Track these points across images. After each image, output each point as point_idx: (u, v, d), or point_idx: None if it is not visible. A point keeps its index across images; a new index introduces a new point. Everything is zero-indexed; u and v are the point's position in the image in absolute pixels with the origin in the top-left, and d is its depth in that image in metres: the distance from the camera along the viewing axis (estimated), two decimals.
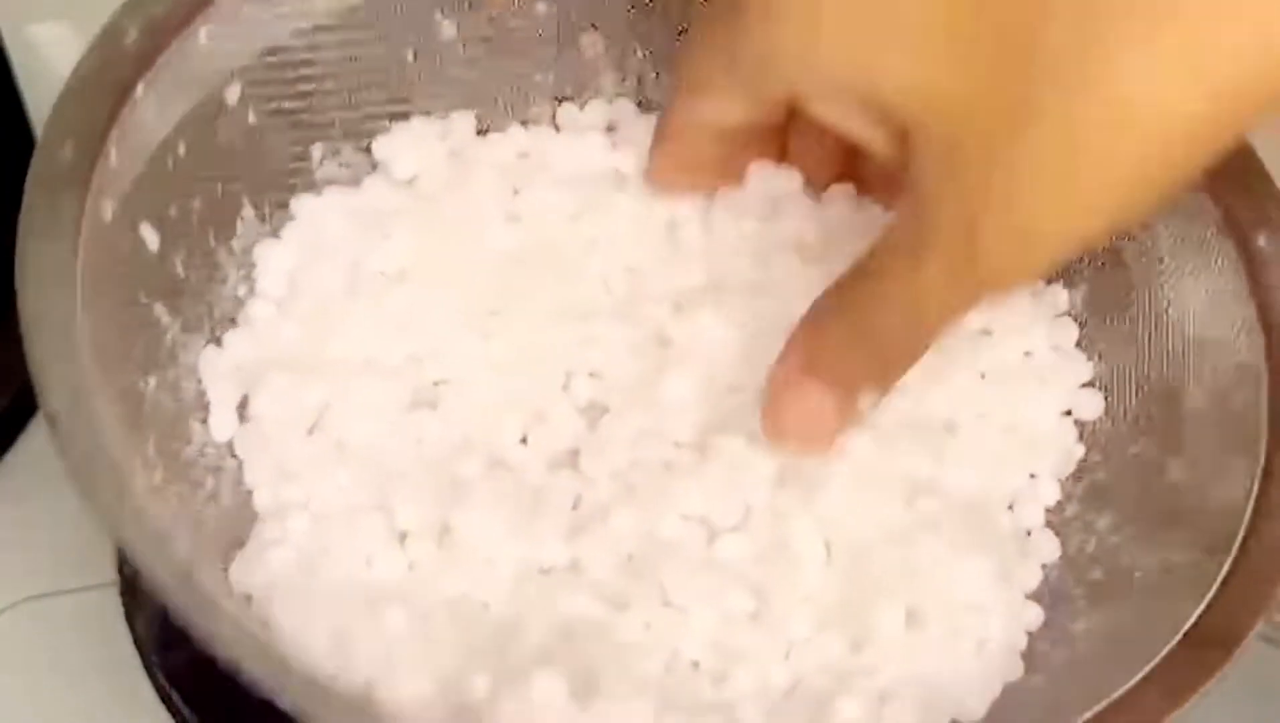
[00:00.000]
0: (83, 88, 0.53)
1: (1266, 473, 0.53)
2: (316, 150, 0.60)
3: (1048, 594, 0.55)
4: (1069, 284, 0.60)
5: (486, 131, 0.62)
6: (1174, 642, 0.50)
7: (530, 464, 0.56)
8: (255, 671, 0.44)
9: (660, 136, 0.57)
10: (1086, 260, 0.59)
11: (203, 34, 0.56)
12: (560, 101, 0.64)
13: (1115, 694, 0.49)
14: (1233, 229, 0.56)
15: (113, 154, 0.53)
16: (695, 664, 0.52)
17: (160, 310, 0.55)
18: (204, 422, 0.55)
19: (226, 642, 0.44)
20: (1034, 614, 0.54)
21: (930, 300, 0.47)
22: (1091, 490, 0.58)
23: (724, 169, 0.57)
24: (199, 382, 0.56)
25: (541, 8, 0.62)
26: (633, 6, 0.63)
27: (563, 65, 0.63)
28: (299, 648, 0.51)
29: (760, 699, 0.51)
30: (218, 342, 0.57)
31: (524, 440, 0.57)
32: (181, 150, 0.56)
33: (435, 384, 0.58)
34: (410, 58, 0.61)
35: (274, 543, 0.53)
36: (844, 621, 0.52)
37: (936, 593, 0.52)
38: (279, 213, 0.59)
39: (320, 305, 0.57)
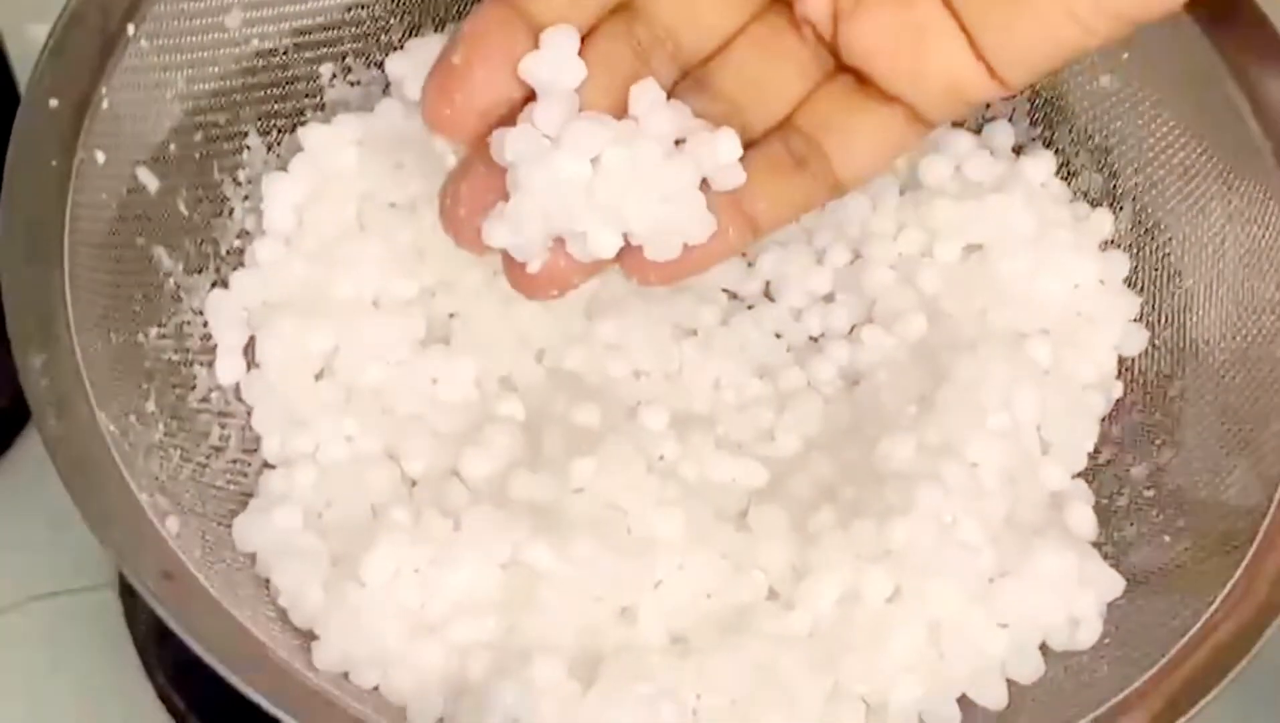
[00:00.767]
0: (68, 35, 0.51)
1: None
2: (326, 70, 0.58)
3: None
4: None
5: None
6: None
7: (545, 400, 0.54)
8: (241, 679, 0.43)
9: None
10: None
11: None
12: None
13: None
14: None
15: (104, 99, 0.51)
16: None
17: (160, 254, 0.53)
18: (209, 366, 0.54)
19: (210, 645, 0.43)
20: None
21: None
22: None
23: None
24: (204, 326, 0.54)
25: None
26: None
27: None
28: (297, 612, 0.50)
29: None
30: (223, 283, 0.55)
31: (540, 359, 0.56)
32: (180, 84, 0.54)
33: (450, 316, 0.56)
34: None
35: (280, 500, 0.52)
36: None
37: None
38: (288, 140, 0.57)
39: (329, 242, 0.55)
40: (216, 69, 0.55)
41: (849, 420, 0.55)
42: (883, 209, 0.58)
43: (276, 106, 0.57)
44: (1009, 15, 0.42)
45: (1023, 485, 0.52)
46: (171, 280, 0.53)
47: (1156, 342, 0.56)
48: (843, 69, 0.46)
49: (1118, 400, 0.56)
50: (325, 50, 0.58)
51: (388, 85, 0.59)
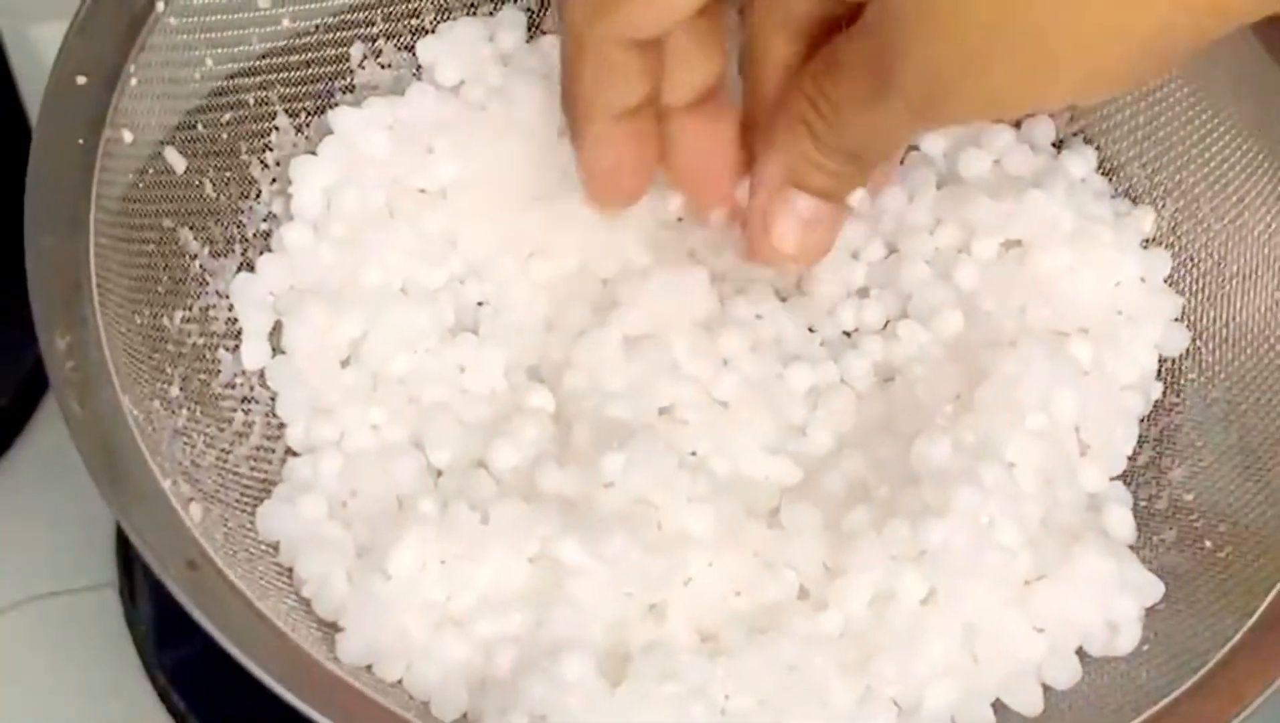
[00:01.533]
0: (96, 12, 0.50)
1: None
2: (356, 51, 0.57)
3: None
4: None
5: (538, 31, 0.59)
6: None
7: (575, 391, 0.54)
8: (264, 671, 0.42)
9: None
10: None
11: None
12: None
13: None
14: None
15: (132, 78, 0.50)
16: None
17: (187, 236, 0.52)
18: (234, 351, 0.53)
19: (234, 637, 0.42)
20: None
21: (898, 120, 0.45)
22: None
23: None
24: (229, 310, 0.53)
25: None
26: None
27: None
28: (321, 603, 0.49)
29: None
30: (250, 267, 0.54)
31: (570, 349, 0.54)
32: (209, 63, 0.53)
33: (479, 305, 0.55)
34: None
35: (304, 489, 0.51)
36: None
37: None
38: (317, 122, 0.56)
39: (358, 227, 0.54)
40: (246, 48, 0.54)
41: (883, 417, 0.54)
42: (920, 203, 0.57)
43: (306, 88, 0.56)
44: None
45: (1060, 487, 0.51)
46: (197, 263, 0.53)
47: (1198, 342, 0.55)
48: None
49: (1157, 401, 0.55)
50: (356, 32, 0.57)
51: (419, 69, 0.58)
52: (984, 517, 0.49)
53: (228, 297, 0.53)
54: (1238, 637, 0.47)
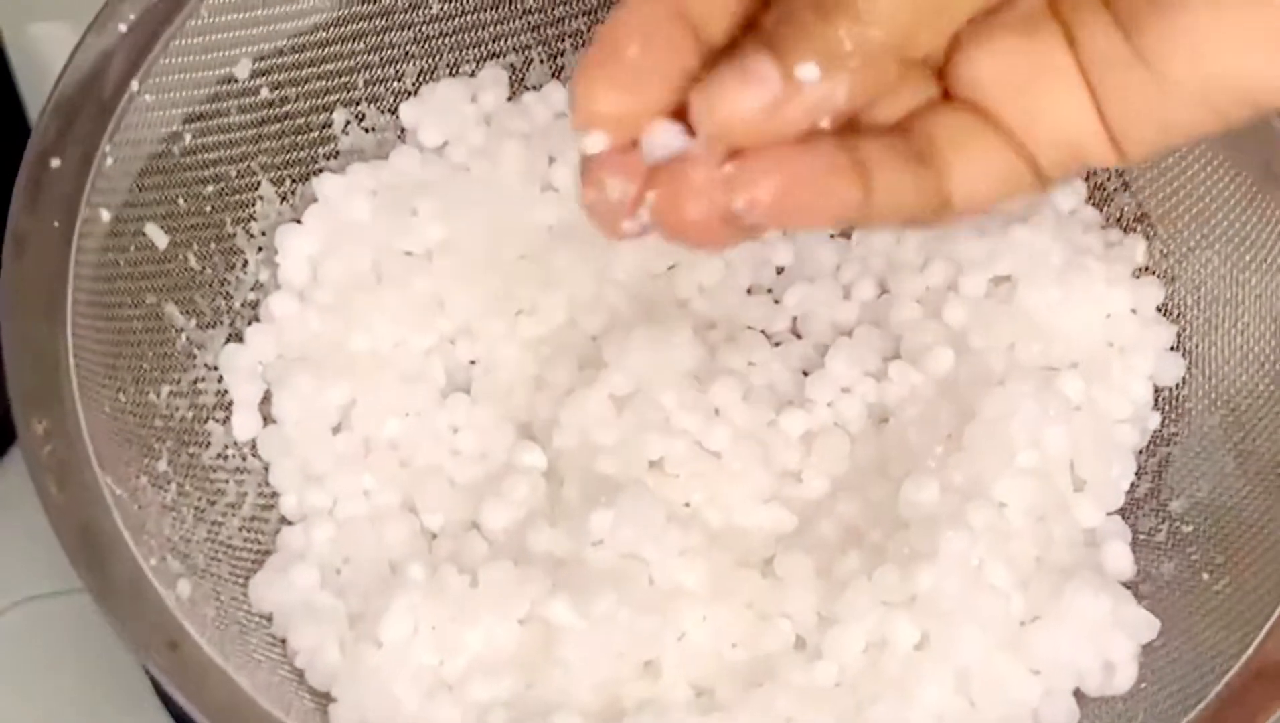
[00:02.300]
0: (69, 93, 0.50)
1: None
2: (339, 117, 0.57)
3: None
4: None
5: (520, 89, 0.59)
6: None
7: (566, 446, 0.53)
8: None
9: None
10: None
11: (204, 10, 0.53)
12: None
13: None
14: None
15: (108, 157, 0.50)
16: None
17: (172, 310, 0.53)
18: (224, 423, 0.53)
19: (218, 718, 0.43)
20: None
21: None
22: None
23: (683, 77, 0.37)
24: (219, 381, 0.53)
25: None
26: None
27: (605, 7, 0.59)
28: (315, 673, 0.49)
29: None
30: (238, 337, 0.54)
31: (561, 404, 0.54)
32: (188, 139, 0.53)
33: (470, 363, 0.55)
34: (436, 7, 0.58)
35: (297, 558, 0.51)
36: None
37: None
38: (301, 189, 0.56)
39: (345, 293, 0.55)
40: (225, 120, 0.54)
41: (876, 459, 0.54)
42: (908, 241, 0.56)
43: (289, 156, 0.56)
44: (1137, 83, 0.37)
45: (1054, 525, 0.51)
46: (184, 336, 0.53)
47: (1194, 370, 0.54)
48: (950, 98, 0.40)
49: (1154, 431, 0.54)
50: (338, 97, 0.57)
51: (402, 131, 0.58)
52: (973, 559, 0.48)
53: (216, 368, 0.54)
54: (1234, 672, 0.46)
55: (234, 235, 0.55)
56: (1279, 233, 0.52)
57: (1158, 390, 0.54)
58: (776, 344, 0.57)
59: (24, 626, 0.59)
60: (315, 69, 0.56)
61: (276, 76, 0.55)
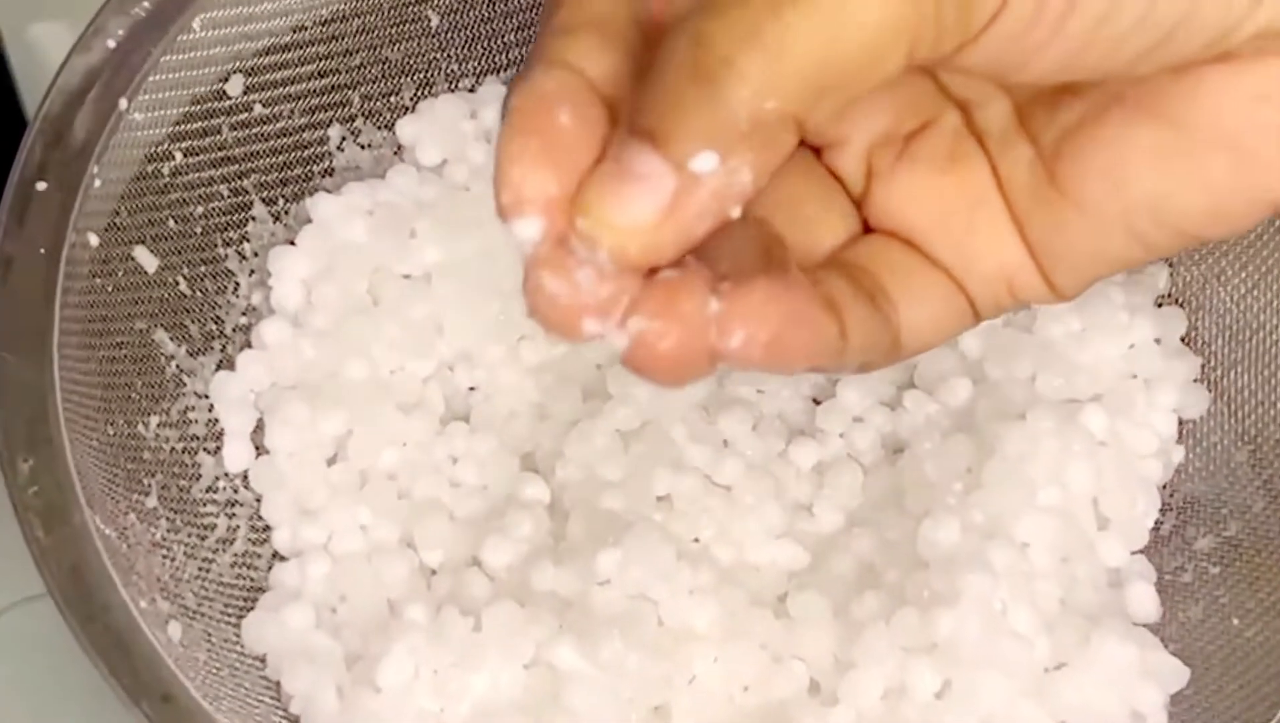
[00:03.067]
0: (56, 114, 0.48)
1: None
2: (334, 133, 0.55)
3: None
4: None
5: None
6: None
7: (570, 479, 0.52)
8: None
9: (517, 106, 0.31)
10: None
11: (196, 24, 0.51)
12: None
13: None
14: None
15: (96, 179, 0.48)
16: None
17: (162, 337, 0.50)
18: (215, 454, 0.51)
19: None
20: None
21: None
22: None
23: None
24: (210, 410, 0.51)
25: None
26: None
27: None
28: (311, 720, 0.47)
29: None
30: (230, 364, 0.52)
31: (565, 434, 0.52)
32: (179, 158, 0.51)
33: (470, 390, 0.54)
34: (434, 20, 0.55)
35: (291, 597, 0.49)
36: None
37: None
38: (295, 209, 0.54)
39: (340, 318, 0.53)
40: (217, 139, 0.52)
41: (891, 493, 0.52)
42: None
43: (282, 175, 0.54)
44: (1060, 214, 0.35)
45: (1078, 565, 0.49)
46: (174, 364, 0.51)
47: (1220, 402, 0.52)
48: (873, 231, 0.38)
49: (1179, 465, 0.52)
50: (333, 113, 0.55)
51: (399, 148, 0.56)
52: (996, 603, 0.47)
53: (207, 397, 0.52)
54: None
55: (225, 258, 0.53)
56: None
57: (1183, 423, 0.53)
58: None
59: (24, 626, 0.57)
60: (310, 84, 0.54)
61: (270, 92, 0.53)
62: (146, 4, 0.50)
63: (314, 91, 0.54)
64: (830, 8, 0.29)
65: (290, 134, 0.54)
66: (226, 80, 0.52)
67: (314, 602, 0.49)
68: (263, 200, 0.54)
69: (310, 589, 0.50)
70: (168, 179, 0.51)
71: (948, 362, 0.53)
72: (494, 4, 0.56)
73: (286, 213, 0.54)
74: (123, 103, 0.49)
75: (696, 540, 0.51)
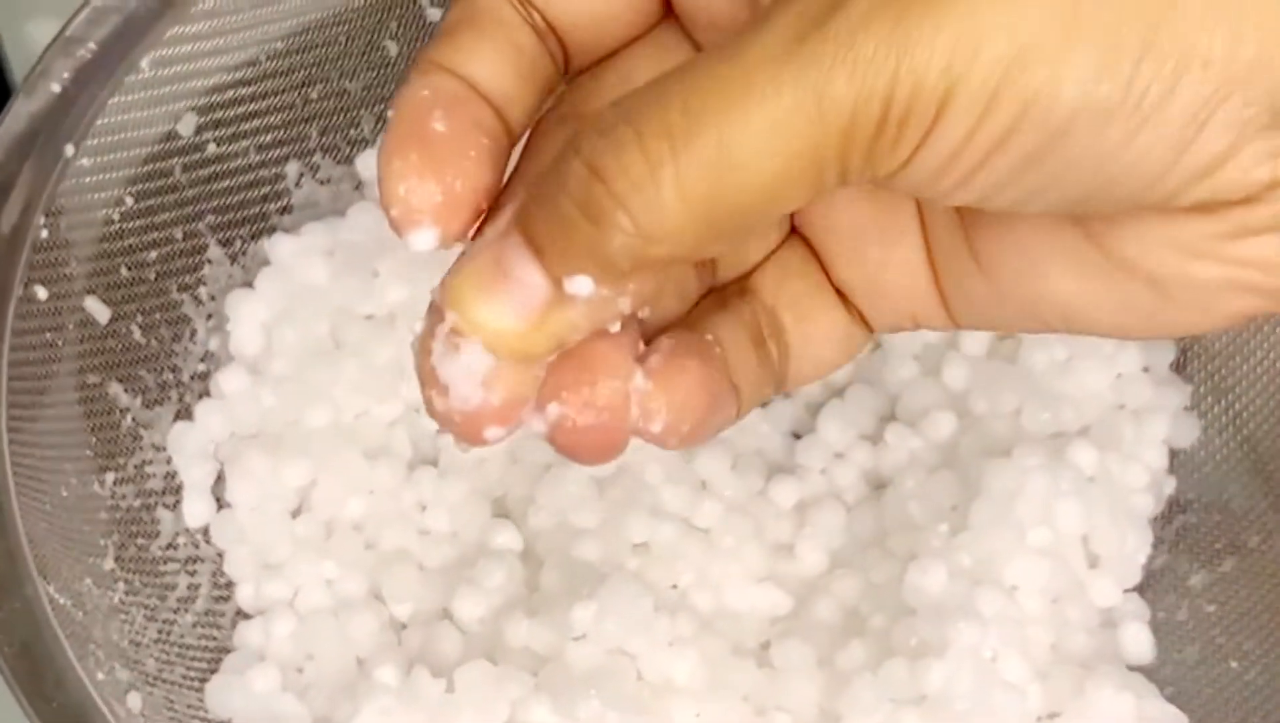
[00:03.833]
0: (1, 160, 0.46)
1: None
2: (291, 170, 0.53)
3: None
4: None
5: None
6: None
7: (543, 524, 0.50)
8: None
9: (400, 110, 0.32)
10: None
11: (145, 64, 0.49)
12: None
13: None
14: None
15: (43, 229, 0.46)
16: None
17: (116, 390, 0.49)
18: (174, 509, 0.49)
19: None
20: None
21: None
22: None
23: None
24: (168, 463, 0.50)
25: None
26: None
27: None
28: None
29: None
30: (188, 414, 0.50)
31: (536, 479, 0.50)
32: (130, 202, 0.49)
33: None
34: (393, 49, 0.54)
35: (255, 658, 0.48)
36: None
37: None
38: (253, 249, 0.52)
39: (301, 363, 0.51)
40: (169, 180, 0.50)
41: (875, 532, 0.50)
42: None
43: (239, 214, 0.52)
44: (972, 279, 0.34)
45: (1069, 607, 0.47)
46: (129, 417, 0.49)
47: (1211, 432, 0.51)
48: (795, 235, 0.37)
49: (1170, 497, 0.51)
50: (290, 149, 0.53)
51: (359, 183, 0.54)
52: (986, 651, 0.45)
53: (165, 449, 0.50)
54: None
55: (181, 303, 0.51)
56: None
57: (1174, 453, 0.51)
58: (764, 404, 0.53)
59: None
60: (265, 119, 0.52)
61: (224, 130, 0.51)
62: (93, 45, 0.48)
63: (269, 127, 0.53)
64: (720, 153, 0.28)
65: (246, 172, 0.52)
66: (178, 120, 0.50)
67: (279, 662, 0.48)
68: (218, 242, 0.52)
69: (275, 649, 0.48)
70: (119, 225, 0.49)
71: (931, 395, 0.51)
72: None
73: (244, 254, 0.52)
74: (69, 149, 0.47)
75: (675, 587, 0.49)
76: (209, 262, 0.52)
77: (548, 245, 0.29)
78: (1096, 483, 0.49)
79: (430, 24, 0.54)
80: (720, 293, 0.36)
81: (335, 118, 0.54)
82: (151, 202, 0.50)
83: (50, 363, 0.47)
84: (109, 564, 0.46)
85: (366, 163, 0.54)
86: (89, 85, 0.48)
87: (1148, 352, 0.51)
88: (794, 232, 0.37)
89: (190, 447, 0.50)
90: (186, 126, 0.50)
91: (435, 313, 0.31)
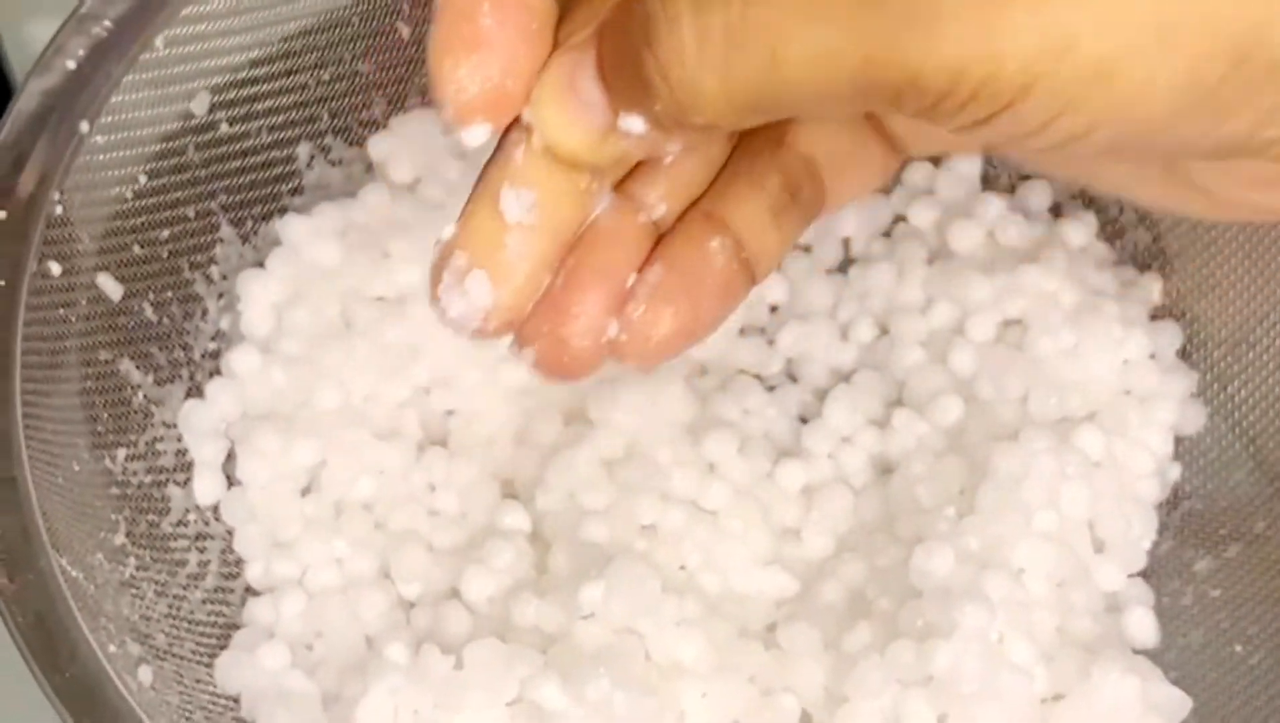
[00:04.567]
0: (15, 137, 0.46)
1: None
2: (303, 151, 0.53)
3: None
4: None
5: None
6: None
7: (552, 506, 0.50)
8: None
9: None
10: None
11: (159, 42, 0.49)
12: None
13: None
14: None
15: (57, 206, 0.47)
16: None
17: (128, 366, 0.49)
18: (185, 486, 0.50)
19: None
20: None
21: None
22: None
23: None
24: (178, 440, 0.50)
25: None
26: None
27: None
28: None
29: None
30: (198, 392, 0.50)
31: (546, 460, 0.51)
32: (143, 180, 0.49)
33: (447, 414, 0.52)
34: (405, 31, 0.54)
35: (265, 635, 0.48)
36: None
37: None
38: (264, 229, 0.52)
39: (312, 343, 0.51)
40: (182, 159, 0.50)
41: (882, 517, 0.51)
42: (909, 279, 0.53)
43: (250, 194, 0.53)
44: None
45: (1074, 591, 0.48)
46: (140, 394, 0.49)
47: (1217, 418, 0.51)
48: None
49: (1175, 484, 0.51)
50: (302, 130, 0.53)
51: (370, 165, 0.54)
52: (993, 634, 0.45)
53: (175, 426, 0.50)
54: None
55: (193, 282, 0.51)
56: None
57: (1180, 440, 0.51)
58: (771, 388, 0.53)
59: None
60: (278, 100, 0.52)
61: (237, 110, 0.52)
62: (108, 23, 0.48)
63: (282, 108, 0.53)
64: (769, 67, 0.30)
65: (258, 152, 0.52)
66: (191, 99, 0.50)
67: (289, 639, 0.48)
68: (230, 222, 0.52)
69: (285, 626, 0.48)
70: (132, 202, 0.49)
71: (938, 379, 0.51)
72: None
73: (255, 234, 0.53)
74: (84, 126, 0.47)
75: (682, 568, 0.49)
76: (221, 241, 0.52)
77: (611, 81, 0.32)
78: (1102, 468, 0.49)
79: None
80: (751, 144, 0.37)
81: (347, 99, 0.54)
82: (164, 180, 0.50)
83: (63, 339, 0.47)
84: (120, 539, 0.47)
85: (378, 145, 0.54)
86: (104, 63, 0.48)
87: (1154, 338, 0.51)
88: None
89: (201, 425, 0.50)
90: (200, 106, 0.51)
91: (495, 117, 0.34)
